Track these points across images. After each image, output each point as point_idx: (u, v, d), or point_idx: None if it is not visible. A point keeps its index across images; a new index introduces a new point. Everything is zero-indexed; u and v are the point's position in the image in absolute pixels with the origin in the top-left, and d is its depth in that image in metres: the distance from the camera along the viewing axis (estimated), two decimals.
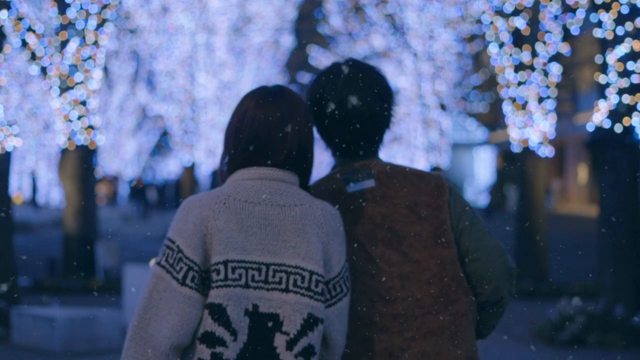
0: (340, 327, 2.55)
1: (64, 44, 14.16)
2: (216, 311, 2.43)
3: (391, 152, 31.16)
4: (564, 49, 13.96)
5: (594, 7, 10.63)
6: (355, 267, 2.64)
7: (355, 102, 2.69)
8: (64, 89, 14.26)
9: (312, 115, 2.69)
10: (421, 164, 27.59)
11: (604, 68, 10.58)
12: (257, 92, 2.57)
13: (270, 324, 2.45)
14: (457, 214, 2.71)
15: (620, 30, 10.38)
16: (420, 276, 2.66)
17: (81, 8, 14.12)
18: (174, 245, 2.49)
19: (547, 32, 13.88)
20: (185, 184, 28.59)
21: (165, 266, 2.51)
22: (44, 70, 14.13)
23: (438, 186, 2.72)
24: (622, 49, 10.36)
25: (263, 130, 2.52)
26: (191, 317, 2.45)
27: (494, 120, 48.54)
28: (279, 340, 2.45)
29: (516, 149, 14.55)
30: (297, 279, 2.46)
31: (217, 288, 2.43)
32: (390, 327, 2.63)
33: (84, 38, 14.18)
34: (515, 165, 15.46)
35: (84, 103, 14.39)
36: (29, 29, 13.53)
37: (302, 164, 2.57)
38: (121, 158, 45.55)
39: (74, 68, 14.20)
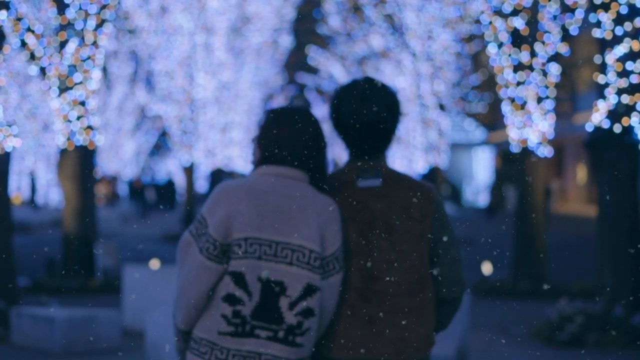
0: (330, 297, 3.21)
1: (63, 45, 14.15)
2: (237, 277, 3.13)
3: (390, 152, 31.15)
4: (563, 49, 13.96)
5: (593, 7, 10.63)
6: (356, 248, 3.29)
7: (367, 113, 3.35)
8: (63, 89, 14.25)
9: (333, 121, 3.41)
10: (420, 164, 27.61)
11: (603, 68, 10.57)
12: (280, 111, 3.30)
13: (277, 289, 3.13)
14: (439, 226, 3.35)
15: (619, 31, 10.38)
16: (402, 264, 3.30)
17: (80, 8, 14.11)
18: (204, 222, 3.18)
19: (546, 32, 13.87)
20: (187, 183, 28.57)
21: (194, 234, 3.20)
22: (43, 71, 14.13)
23: (429, 197, 3.36)
24: (621, 49, 10.36)
25: (284, 142, 3.24)
26: (204, 281, 3.15)
27: (492, 120, 48.53)
28: (283, 302, 3.13)
29: (515, 149, 14.55)
30: (299, 255, 3.15)
31: (239, 259, 3.13)
32: (373, 300, 3.28)
33: (83, 38, 14.18)
34: (514, 165, 15.46)
35: (83, 103, 14.38)
36: (28, 30, 13.53)
37: (312, 165, 3.26)
38: (120, 158, 45.54)
39: (73, 68, 14.19)
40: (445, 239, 3.36)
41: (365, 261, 3.29)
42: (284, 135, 3.24)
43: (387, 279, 3.28)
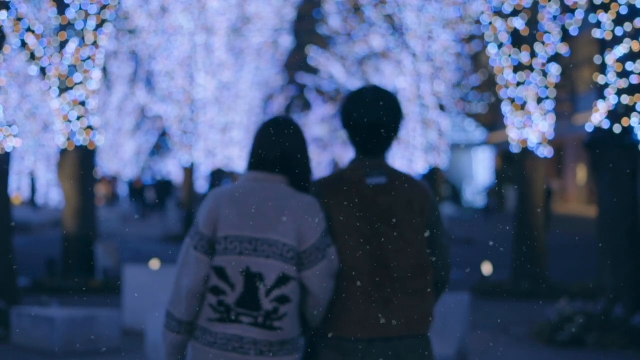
0: (320, 284, 3.63)
1: (63, 45, 14.15)
2: (219, 271, 3.62)
3: (390, 153, 31.18)
4: (563, 49, 13.96)
5: (593, 8, 10.63)
6: (367, 238, 3.70)
7: (378, 118, 3.77)
8: (63, 89, 14.26)
9: (343, 123, 3.83)
10: (420, 164, 27.62)
11: (603, 69, 10.57)
12: (267, 124, 3.76)
13: (257, 280, 3.59)
14: (434, 218, 3.81)
15: (619, 31, 10.38)
16: (408, 252, 3.73)
17: (80, 9, 14.11)
18: (197, 223, 3.68)
19: (546, 32, 13.88)
20: (185, 184, 28.59)
21: (191, 236, 3.69)
22: (43, 71, 14.13)
23: (425, 193, 3.82)
24: (621, 50, 10.36)
25: (263, 150, 3.72)
26: (199, 271, 3.63)
27: (492, 120, 48.53)
28: (262, 291, 3.59)
29: (515, 149, 14.55)
30: (274, 249, 3.60)
31: (220, 255, 3.62)
32: (385, 284, 3.69)
33: (83, 39, 14.18)
34: (514, 166, 15.46)
35: (83, 103, 14.38)
36: (29, 30, 13.53)
37: (291, 169, 3.70)
38: (120, 158, 45.54)
39: (73, 68, 14.20)
40: (438, 229, 3.82)
41: (376, 249, 3.71)
42: (262, 145, 3.73)
43: (396, 265, 3.71)
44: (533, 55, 13.96)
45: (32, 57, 13.91)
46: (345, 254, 3.69)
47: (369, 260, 3.70)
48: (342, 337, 3.68)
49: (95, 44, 14.26)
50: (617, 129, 10.40)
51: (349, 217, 3.70)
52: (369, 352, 3.68)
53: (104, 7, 14.19)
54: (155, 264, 12.72)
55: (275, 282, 3.59)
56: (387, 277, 3.70)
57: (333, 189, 3.74)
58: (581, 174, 42.38)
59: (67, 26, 14.16)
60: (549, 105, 14.20)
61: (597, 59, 10.81)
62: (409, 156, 29.41)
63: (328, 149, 48.62)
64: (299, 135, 3.75)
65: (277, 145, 3.71)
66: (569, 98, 40.25)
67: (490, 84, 36.28)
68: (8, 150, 11.72)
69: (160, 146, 53.21)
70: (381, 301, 3.68)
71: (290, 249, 3.61)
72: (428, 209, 3.79)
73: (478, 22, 22.34)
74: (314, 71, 41.45)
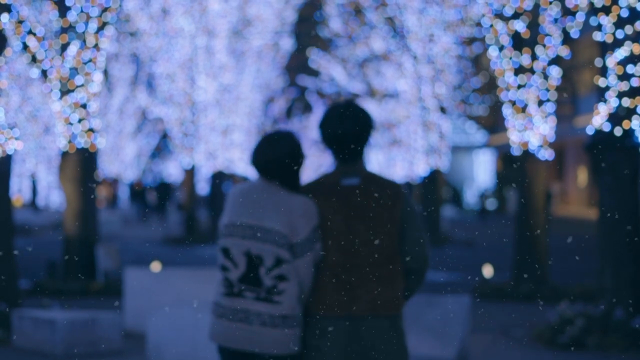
0: (306, 270, 4.26)
1: (64, 47, 14.17)
2: (225, 252, 4.31)
3: (391, 155, 31.16)
4: (564, 52, 13.96)
5: (593, 11, 10.64)
6: (340, 231, 4.30)
7: (347, 130, 4.36)
8: (65, 91, 14.27)
9: (321, 136, 4.42)
10: (421, 166, 27.62)
11: (603, 71, 10.58)
12: (264, 137, 4.42)
13: (257, 261, 4.25)
14: (405, 214, 4.34)
15: (620, 34, 10.39)
16: (375, 243, 4.28)
17: (82, 11, 14.13)
18: (222, 216, 4.38)
19: (546, 35, 13.88)
20: (186, 186, 28.60)
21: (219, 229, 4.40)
22: (44, 73, 14.14)
23: (397, 192, 4.35)
24: (622, 52, 10.37)
25: (260, 161, 4.37)
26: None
27: (493, 123, 48.55)
28: (262, 270, 4.25)
29: (516, 152, 14.56)
30: (270, 236, 4.25)
31: (225, 237, 4.32)
32: (354, 271, 4.28)
33: (84, 41, 14.20)
34: (515, 168, 15.47)
35: (84, 106, 14.39)
36: (30, 32, 13.54)
37: (286, 177, 4.33)
38: (121, 161, 45.54)
39: (74, 71, 14.21)
40: (411, 223, 4.33)
41: (347, 241, 4.29)
42: (254, 153, 4.40)
43: (364, 254, 4.28)
44: (534, 57, 13.96)
45: (34, 59, 13.92)
46: (322, 245, 4.32)
47: (340, 251, 4.29)
48: (313, 315, 4.28)
49: (96, 46, 14.27)
50: (617, 131, 10.40)
51: (326, 214, 4.30)
52: (337, 329, 4.26)
53: (105, 10, 14.21)
54: (156, 266, 12.72)
55: (273, 264, 4.23)
56: (355, 265, 4.27)
57: (314, 191, 4.35)
58: (582, 176, 42.40)
59: (68, 29, 14.17)
60: (549, 107, 14.21)
61: (598, 62, 10.81)
62: (409, 158, 29.41)
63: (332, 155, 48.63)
64: (292, 149, 4.36)
65: (265, 156, 4.35)
66: (570, 100, 40.27)
67: (491, 87, 36.30)
68: (9, 153, 11.73)
69: (161, 148, 53.22)
70: (348, 285, 4.27)
71: (282, 236, 4.23)
72: (399, 206, 4.32)
73: (479, 24, 22.34)
74: (314, 73, 41.42)
